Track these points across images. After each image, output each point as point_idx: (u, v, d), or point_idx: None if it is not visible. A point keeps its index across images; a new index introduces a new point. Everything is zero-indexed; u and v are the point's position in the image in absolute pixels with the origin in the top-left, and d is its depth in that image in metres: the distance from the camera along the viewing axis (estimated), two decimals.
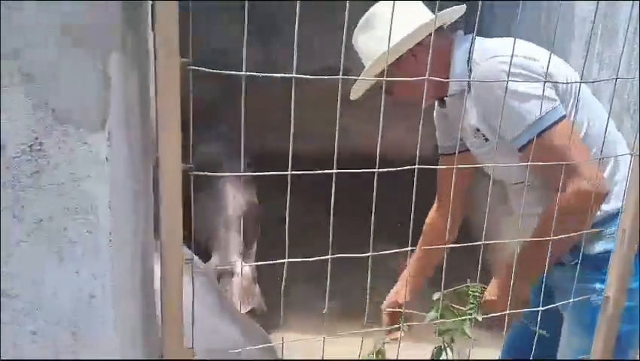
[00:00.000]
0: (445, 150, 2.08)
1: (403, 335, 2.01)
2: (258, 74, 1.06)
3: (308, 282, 2.82)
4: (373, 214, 1.27)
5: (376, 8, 1.82)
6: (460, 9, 1.83)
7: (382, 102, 1.29)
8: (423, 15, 1.81)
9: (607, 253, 1.62)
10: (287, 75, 1.11)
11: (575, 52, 2.94)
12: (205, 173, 1.10)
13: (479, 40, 1.81)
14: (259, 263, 1.22)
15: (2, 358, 1.09)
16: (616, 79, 1.37)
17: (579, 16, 2.93)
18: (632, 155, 1.34)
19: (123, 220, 1.07)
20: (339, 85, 1.14)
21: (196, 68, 1.00)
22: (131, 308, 1.14)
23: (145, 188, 1.16)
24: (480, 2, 1.34)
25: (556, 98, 1.68)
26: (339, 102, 1.17)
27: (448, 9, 1.80)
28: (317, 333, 1.33)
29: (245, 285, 3.29)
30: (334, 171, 1.18)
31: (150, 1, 1.04)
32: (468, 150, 1.91)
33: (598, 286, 1.71)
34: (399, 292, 2.20)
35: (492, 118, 1.69)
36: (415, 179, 1.26)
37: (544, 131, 1.63)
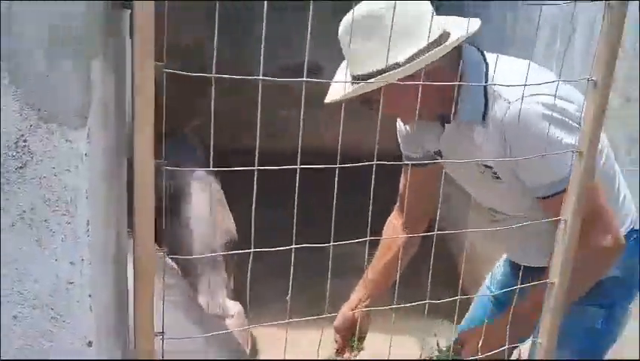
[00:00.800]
0: (411, 160, 1.92)
1: (357, 354, 2.02)
2: (227, 76, 1.14)
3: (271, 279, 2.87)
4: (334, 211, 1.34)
5: (376, 8, 1.51)
6: (475, 22, 1.60)
7: (379, 115, 1.32)
8: (435, 25, 1.53)
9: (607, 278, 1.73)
10: (255, 77, 1.18)
11: (536, 52, 3.04)
12: (175, 168, 1.17)
13: (493, 60, 1.60)
14: (239, 252, 1.29)
15: (2, 358, 1.15)
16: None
17: (545, 17, 3.01)
18: (573, 152, 1.43)
19: (99, 212, 1.15)
20: (304, 87, 1.22)
21: (171, 71, 1.07)
22: (105, 295, 1.22)
23: (119, 182, 1.24)
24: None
25: None
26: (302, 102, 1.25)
27: (468, 32, 1.55)
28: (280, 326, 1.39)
29: (239, 323, 3.19)
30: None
31: (129, 9, 1.11)
32: (435, 161, 1.80)
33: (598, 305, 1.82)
34: (352, 304, 2.06)
35: (519, 162, 1.57)
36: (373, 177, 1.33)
37: None
